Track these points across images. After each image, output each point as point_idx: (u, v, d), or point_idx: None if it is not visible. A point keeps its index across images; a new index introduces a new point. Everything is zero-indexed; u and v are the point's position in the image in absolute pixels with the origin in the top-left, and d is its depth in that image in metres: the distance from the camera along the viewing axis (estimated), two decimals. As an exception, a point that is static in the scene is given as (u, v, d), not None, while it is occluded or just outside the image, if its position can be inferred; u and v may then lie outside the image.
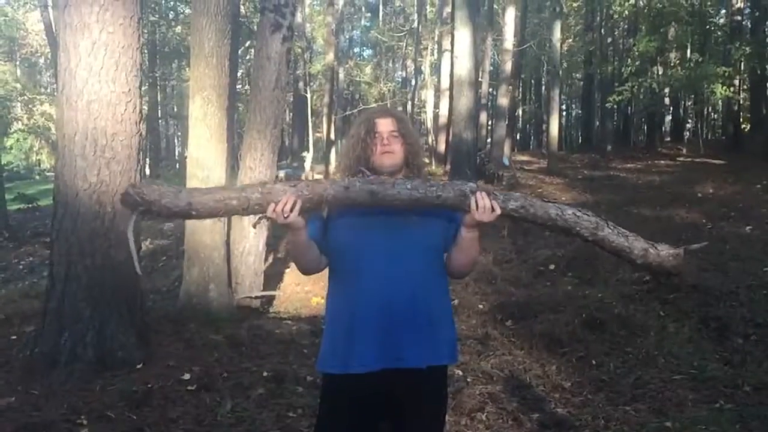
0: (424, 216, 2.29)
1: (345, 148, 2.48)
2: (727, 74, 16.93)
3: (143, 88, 4.96)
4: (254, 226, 2.06)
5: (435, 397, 2.40)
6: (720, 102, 22.03)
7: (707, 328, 5.30)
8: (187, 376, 4.46)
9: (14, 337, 5.47)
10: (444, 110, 20.67)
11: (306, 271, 2.42)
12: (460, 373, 4.56)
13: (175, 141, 38.29)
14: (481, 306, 6.48)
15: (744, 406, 3.98)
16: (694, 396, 4.17)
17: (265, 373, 4.61)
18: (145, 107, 23.74)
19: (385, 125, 2.38)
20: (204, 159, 6.11)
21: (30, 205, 18.05)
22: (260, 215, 2.16)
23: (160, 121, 31.12)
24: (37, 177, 31.86)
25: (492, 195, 2.15)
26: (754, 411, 3.85)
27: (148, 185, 2.16)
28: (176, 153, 36.24)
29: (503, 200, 2.14)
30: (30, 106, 25.50)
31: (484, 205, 2.12)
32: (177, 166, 26.68)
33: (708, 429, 3.65)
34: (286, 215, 2.10)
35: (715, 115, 30.86)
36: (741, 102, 20.74)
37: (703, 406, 4.02)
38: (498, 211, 2.14)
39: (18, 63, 33.90)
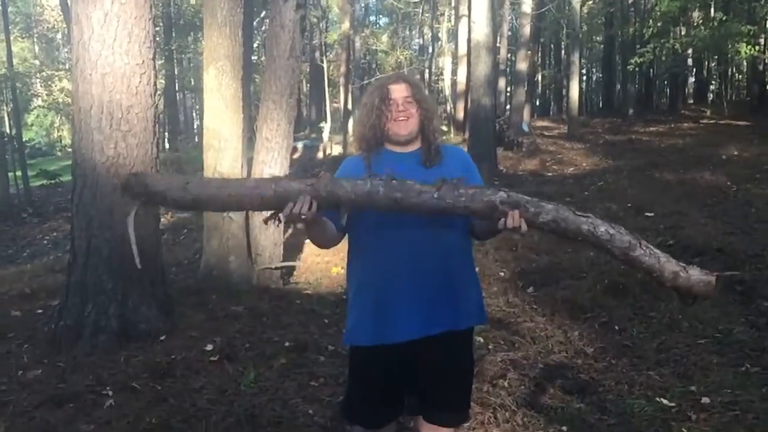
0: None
1: (359, 116, 2.43)
2: (751, 33, 16.47)
3: (160, 62, 4.92)
4: (266, 222, 1.96)
5: (465, 360, 2.43)
6: (744, 62, 21.51)
7: (732, 292, 5.21)
8: (209, 347, 4.50)
9: (40, 311, 5.55)
10: (462, 77, 20.45)
11: (324, 247, 2.41)
12: (482, 340, 4.54)
13: (193, 114, 38.36)
14: (502, 273, 6.44)
15: (770, 369, 3.92)
16: (719, 360, 4.12)
17: (287, 343, 4.63)
18: (162, 80, 23.83)
19: (399, 91, 2.33)
20: (220, 130, 6.08)
21: (52, 181, 18.26)
22: (273, 213, 2.06)
23: (177, 94, 31.13)
24: (59, 153, 32.18)
25: (522, 208, 2.03)
26: (781, 374, 3.79)
27: (153, 175, 2.06)
28: (194, 126, 36.33)
29: (534, 213, 2.02)
30: (49, 82, 25.63)
31: (513, 225, 2.02)
32: (196, 139, 26.74)
33: (734, 393, 3.61)
34: (303, 216, 2.01)
35: (740, 76, 30.15)
36: (766, 61, 20.23)
37: (729, 369, 3.97)
38: (526, 229, 2.04)
39: (35, 39, 34.01)
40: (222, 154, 6.10)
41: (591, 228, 2.01)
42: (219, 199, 2.01)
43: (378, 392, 2.35)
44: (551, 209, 2.03)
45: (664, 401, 3.59)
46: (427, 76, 27.26)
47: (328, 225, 2.23)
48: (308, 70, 27.34)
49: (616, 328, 4.81)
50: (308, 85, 30.55)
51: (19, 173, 17.14)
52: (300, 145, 18.79)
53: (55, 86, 25.47)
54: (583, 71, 34.20)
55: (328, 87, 23.12)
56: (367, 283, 2.32)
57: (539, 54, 30.48)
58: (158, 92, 4.80)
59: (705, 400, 3.55)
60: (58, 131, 34.79)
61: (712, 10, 18.99)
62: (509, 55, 22.49)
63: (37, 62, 28.34)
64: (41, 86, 26.69)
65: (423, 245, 2.23)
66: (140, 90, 4.62)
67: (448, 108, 23.22)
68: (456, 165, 2.36)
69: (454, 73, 23.71)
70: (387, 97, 2.32)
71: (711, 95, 25.42)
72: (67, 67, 27.79)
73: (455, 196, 2.02)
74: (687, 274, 1.98)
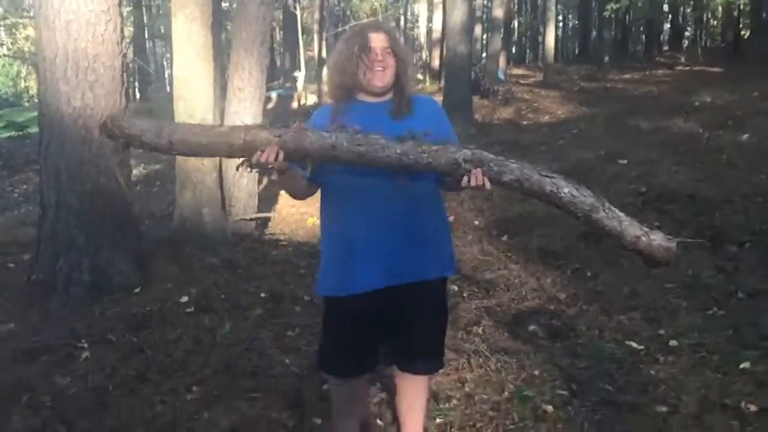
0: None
1: (335, 63, 2.37)
2: (727, -22, 16.44)
3: (127, 9, 4.78)
4: (237, 169, 2.04)
5: (437, 309, 2.46)
6: (720, 7, 21.44)
7: (702, 237, 5.30)
8: (185, 299, 4.48)
9: (12, 265, 5.48)
10: (437, 24, 20.20)
11: (297, 198, 2.44)
12: (456, 288, 4.59)
13: (165, 63, 37.53)
14: (476, 222, 6.48)
15: (737, 312, 4.01)
16: (687, 304, 4.21)
17: (262, 294, 4.63)
18: (131, 28, 23.21)
19: (379, 41, 2.29)
20: (191, 79, 5.95)
21: (21, 133, 17.84)
22: (244, 160, 2.08)
23: (147, 42, 30.36)
24: (27, 104, 31.33)
25: (486, 166, 2.03)
26: (747, 317, 3.89)
27: (129, 119, 2.10)
28: (166, 75, 35.57)
29: (497, 172, 2.02)
30: (13, 30, 24.88)
31: (476, 183, 2.03)
32: (168, 89, 26.23)
33: (701, 335, 3.70)
34: (270, 165, 2.04)
35: (715, 22, 30.15)
36: (741, 7, 20.19)
37: (697, 313, 4.06)
38: (489, 186, 2.05)
39: (-3, -14, 32.82)
40: (193, 105, 5.98)
41: (554, 189, 2.02)
42: (192, 144, 2.06)
43: (349, 341, 2.38)
44: (515, 168, 2.03)
45: (634, 345, 3.68)
46: (402, 23, 26.86)
47: (298, 176, 2.24)
48: (281, 17, 26.74)
49: (588, 274, 4.89)
50: (281, 32, 29.93)
51: (-15, 125, 16.76)
52: (274, 94, 18.50)
53: (20, 34, 24.77)
54: (559, 18, 33.90)
55: (302, 35, 22.67)
56: (334, 232, 2.33)
57: (515, 0, 30.12)
58: (126, 40, 4.67)
59: (673, 342, 3.64)
60: (24, 81, 33.91)
61: (689, -46, 18.84)
62: (485, 1, 22.21)
63: (0, 10, 27.42)
64: (5, 34, 25.90)
65: (390, 195, 2.21)
66: (106, 38, 4.48)
67: (424, 55, 23.00)
68: (427, 116, 2.34)
69: (429, 20, 23.40)
70: (367, 45, 2.28)
71: (686, 42, 25.40)
72: (32, 14, 26.99)
73: (418, 153, 2.02)
74: (648, 239, 1.96)
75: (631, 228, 1.98)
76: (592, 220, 2.01)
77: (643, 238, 1.97)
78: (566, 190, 2.02)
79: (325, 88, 17.21)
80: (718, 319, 3.96)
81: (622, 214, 2.00)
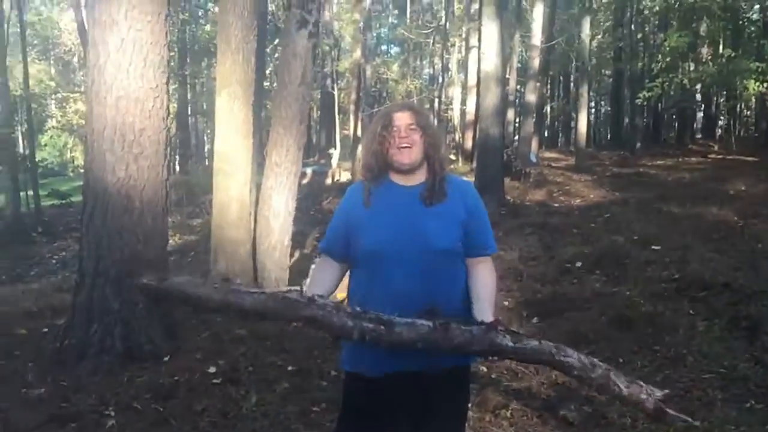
0: (445, 221, 2.28)
1: (364, 143, 2.45)
2: (760, 70, 16.54)
3: (173, 86, 5.01)
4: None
5: (454, 397, 2.40)
6: (753, 98, 21.57)
7: (737, 327, 5.19)
8: (212, 369, 4.51)
9: (45, 330, 5.57)
10: (471, 107, 20.59)
11: None
12: (485, 369, 4.53)
13: (205, 138, 38.61)
14: (506, 303, 6.43)
15: (775, 406, 3.89)
16: (723, 395, 4.09)
17: (290, 368, 4.63)
18: (175, 104, 24.12)
19: (402, 119, 2.33)
20: (230, 154, 6.15)
21: (63, 201, 18.39)
22: None
23: (190, 118, 31.41)
24: (71, 174, 32.42)
25: (503, 354, 2.13)
26: (786, 411, 3.77)
27: (162, 284, 2.26)
28: (206, 150, 36.56)
29: (512, 350, 2.09)
30: (64, 104, 25.97)
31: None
32: (206, 162, 26.92)
33: (738, 429, 3.59)
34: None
35: (748, 112, 30.25)
36: (775, 98, 20.28)
37: (733, 405, 3.94)
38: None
39: (52, 62, 34.51)
40: (231, 179, 6.16)
41: (566, 369, 2.12)
42: (220, 305, 2.25)
43: (365, 418, 2.35)
44: (532, 353, 2.11)
45: (667, 436, 3.57)
46: (436, 105, 27.44)
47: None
48: (319, 96, 27.59)
49: (621, 360, 4.78)
50: (318, 111, 30.80)
51: (30, 193, 17.30)
52: (309, 170, 18.87)
53: (70, 108, 25.83)
54: (592, 104, 34.36)
55: (339, 114, 23.31)
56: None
57: (548, 86, 30.65)
58: (171, 116, 4.88)
59: (708, 435, 3.53)
60: (70, 152, 35.10)
61: (721, 46, 19.10)
62: (518, 86, 22.67)
63: (52, 84, 28.77)
64: (56, 107, 27.05)
65: (413, 284, 2.20)
66: (153, 113, 4.70)
67: (457, 137, 23.33)
68: (459, 203, 2.33)
69: (463, 102, 23.84)
70: (390, 124, 2.32)
71: (719, 130, 25.43)
72: (82, 89, 28.19)
73: (436, 351, 2.09)
74: (650, 402, 2.11)
75: (635, 394, 2.12)
76: (602, 392, 2.16)
77: (648, 401, 2.13)
78: (576, 372, 2.12)
79: (358, 166, 17.53)
80: (755, 413, 3.83)
81: (624, 387, 2.11)
